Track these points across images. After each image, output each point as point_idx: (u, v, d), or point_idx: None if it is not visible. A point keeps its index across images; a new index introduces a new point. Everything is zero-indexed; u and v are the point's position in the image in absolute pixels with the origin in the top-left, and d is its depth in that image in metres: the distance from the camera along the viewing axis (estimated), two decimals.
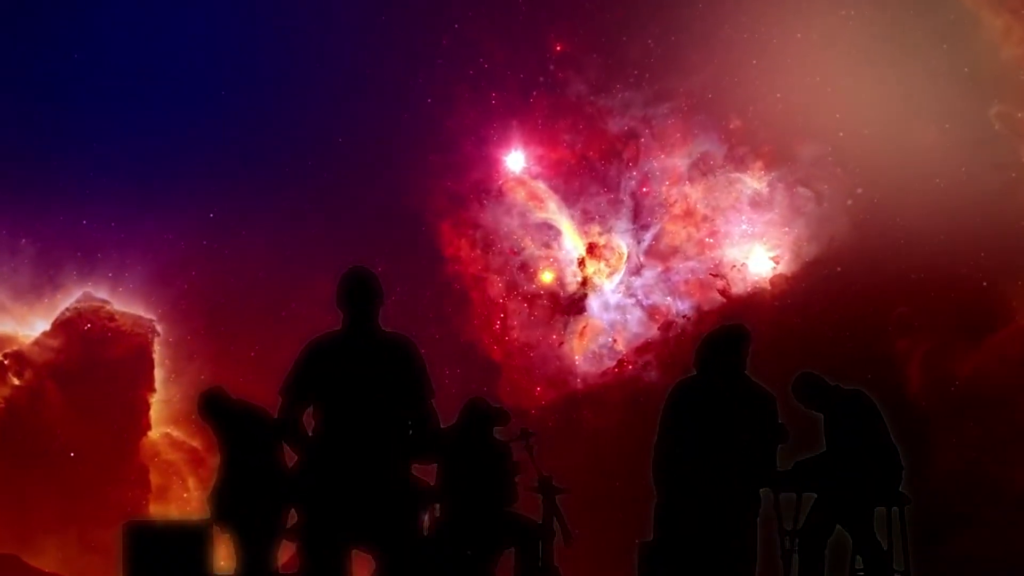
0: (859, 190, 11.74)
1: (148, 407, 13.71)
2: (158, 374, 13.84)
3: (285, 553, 6.12)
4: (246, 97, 13.35)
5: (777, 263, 12.98)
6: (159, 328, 13.86)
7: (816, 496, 6.13)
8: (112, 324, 13.62)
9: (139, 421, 13.58)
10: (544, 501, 6.34)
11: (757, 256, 13.06)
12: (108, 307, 13.68)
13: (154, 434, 13.73)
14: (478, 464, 6.32)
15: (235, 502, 6.33)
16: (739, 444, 5.05)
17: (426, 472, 5.86)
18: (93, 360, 13.45)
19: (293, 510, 5.21)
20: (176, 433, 13.85)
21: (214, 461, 6.82)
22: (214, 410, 6.63)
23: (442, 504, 6.28)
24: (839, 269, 12.09)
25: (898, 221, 11.52)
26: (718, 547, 4.98)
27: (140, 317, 13.78)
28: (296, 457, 4.60)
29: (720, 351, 5.22)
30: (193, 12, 13.26)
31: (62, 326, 13.48)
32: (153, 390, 13.78)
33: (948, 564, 10.41)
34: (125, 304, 13.79)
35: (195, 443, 13.77)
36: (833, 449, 6.03)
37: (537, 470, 6.42)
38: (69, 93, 13.41)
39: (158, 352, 13.86)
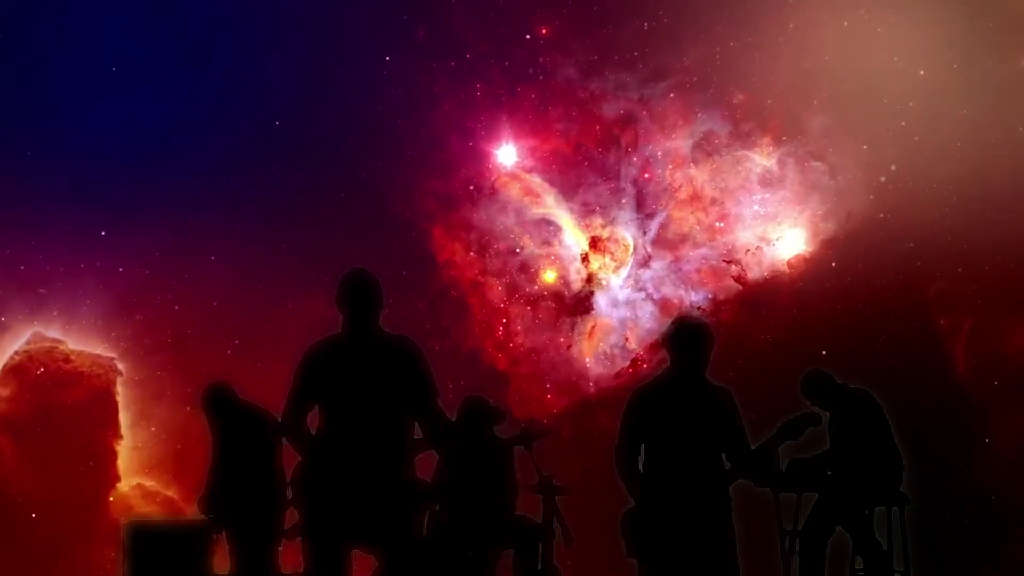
0: (893, 167, 11.08)
1: (115, 456, 12.54)
2: (124, 418, 12.70)
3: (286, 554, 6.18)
4: (206, 101, 12.27)
5: (794, 243, 12.34)
6: (121, 366, 12.73)
7: (816, 496, 6.17)
8: (68, 366, 12.47)
9: (106, 472, 12.41)
10: (544, 501, 6.28)
11: (774, 237, 12.38)
12: (62, 347, 12.52)
13: (124, 486, 12.55)
14: (478, 464, 6.32)
15: (228, 504, 6.38)
16: (698, 443, 4.82)
17: (426, 472, 5.75)
18: (49, 408, 12.26)
19: (293, 511, 5.26)
20: (149, 483, 12.65)
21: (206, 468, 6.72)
22: (217, 406, 6.63)
23: (442, 504, 6.30)
24: (868, 244, 11.39)
25: (928, 190, 10.86)
26: (693, 553, 4.77)
27: (99, 356, 12.65)
28: (299, 460, 4.68)
29: (678, 347, 4.91)
30: (139, 13, 12.09)
31: (11, 372, 12.28)
32: (120, 436, 12.63)
33: (1010, 565, 9.85)
34: (81, 342, 12.65)
35: (171, 493, 12.72)
36: (836, 448, 6.09)
37: (537, 470, 6.36)
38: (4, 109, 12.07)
39: (122, 393, 12.71)
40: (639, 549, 4.80)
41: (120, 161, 12.31)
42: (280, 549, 6.47)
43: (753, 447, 4.87)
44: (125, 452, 12.58)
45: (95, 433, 12.41)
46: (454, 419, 6.09)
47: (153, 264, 12.58)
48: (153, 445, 12.58)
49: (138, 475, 12.61)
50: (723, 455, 4.83)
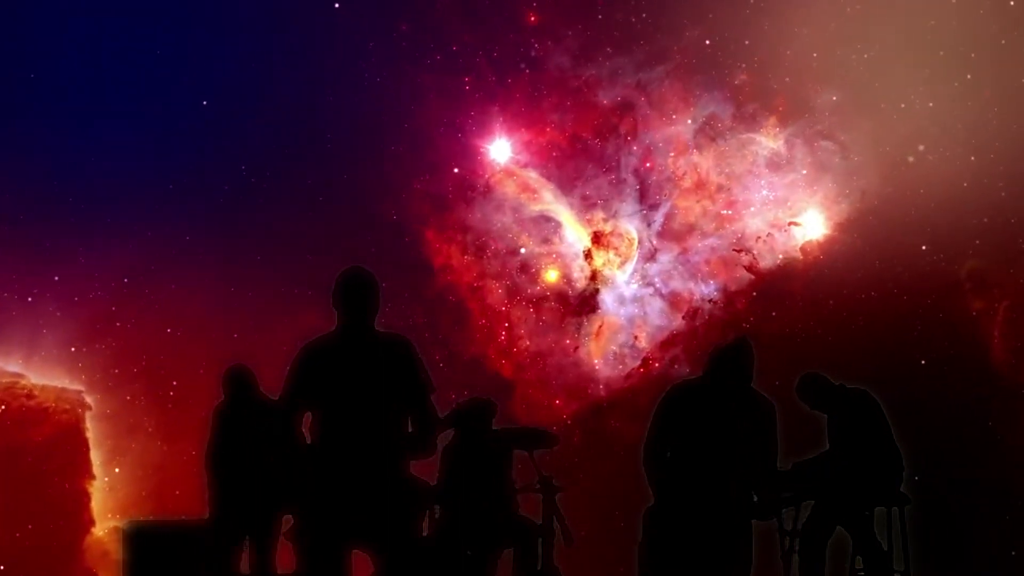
0: (921, 146, 10.56)
1: (88, 498, 11.84)
2: (95, 456, 12.01)
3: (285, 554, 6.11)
4: (177, 104, 11.63)
5: (807, 228, 11.83)
6: (89, 400, 12.04)
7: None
8: (31, 402, 11.74)
9: (80, 516, 11.70)
10: (544, 501, 6.37)
11: (785, 222, 11.87)
12: (23, 381, 11.82)
13: (99, 530, 11.83)
14: (475, 463, 6.38)
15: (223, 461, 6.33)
16: (736, 451, 4.99)
17: (427, 472, 5.72)
18: (13, 449, 11.49)
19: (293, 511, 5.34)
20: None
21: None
22: (232, 384, 6.58)
23: (442, 504, 6.40)
24: (887, 226, 10.88)
25: (951, 166, 10.37)
26: (708, 551, 4.93)
27: (64, 389, 11.96)
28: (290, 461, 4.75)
29: (728, 364, 5.18)
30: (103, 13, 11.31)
31: None
32: (92, 476, 11.94)
33: None
34: (44, 375, 11.95)
35: None
36: (835, 448, 6.14)
37: (537, 470, 6.46)
38: None
39: (92, 429, 12.03)
40: (656, 548, 4.93)
41: (82, 176, 11.68)
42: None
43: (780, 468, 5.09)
44: (99, 493, 11.97)
45: (65, 474, 11.75)
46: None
47: (119, 287, 11.90)
48: (129, 484, 11.96)
49: (114, 517, 11.81)
50: (748, 465, 4.93)
